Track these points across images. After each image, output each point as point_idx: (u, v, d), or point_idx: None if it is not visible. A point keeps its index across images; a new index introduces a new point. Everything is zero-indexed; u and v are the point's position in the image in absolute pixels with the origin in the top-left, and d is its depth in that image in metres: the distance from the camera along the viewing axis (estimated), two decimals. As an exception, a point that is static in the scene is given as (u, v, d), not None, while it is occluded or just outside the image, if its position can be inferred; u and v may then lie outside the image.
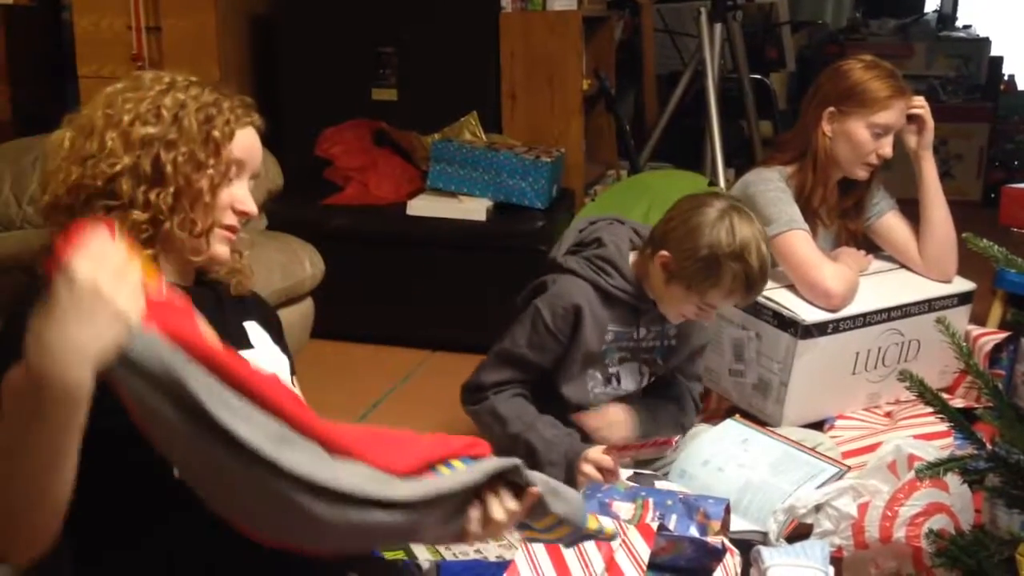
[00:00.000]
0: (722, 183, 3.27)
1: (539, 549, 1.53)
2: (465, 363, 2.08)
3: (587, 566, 1.50)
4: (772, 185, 2.21)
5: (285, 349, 1.50)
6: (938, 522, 1.65)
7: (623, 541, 1.52)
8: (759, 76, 4.26)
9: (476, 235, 3.10)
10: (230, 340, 1.36)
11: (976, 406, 1.94)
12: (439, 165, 3.14)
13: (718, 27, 3.59)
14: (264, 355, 1.41)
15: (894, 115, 2.18)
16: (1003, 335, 2.32)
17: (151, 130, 1.25)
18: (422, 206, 3.14)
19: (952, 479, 1.61)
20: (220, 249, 1.35)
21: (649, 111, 4.32)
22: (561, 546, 1.53)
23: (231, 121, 1.30)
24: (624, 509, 1.68)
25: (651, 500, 1.69)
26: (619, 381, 1.99)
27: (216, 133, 1.28)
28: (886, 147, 2.18)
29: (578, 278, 1.90)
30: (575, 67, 3.35)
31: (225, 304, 1.43)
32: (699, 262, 1.78)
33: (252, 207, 1.35)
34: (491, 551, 1.95)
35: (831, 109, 2.20)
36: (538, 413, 1.93)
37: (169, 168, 1.25)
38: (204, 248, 1.33)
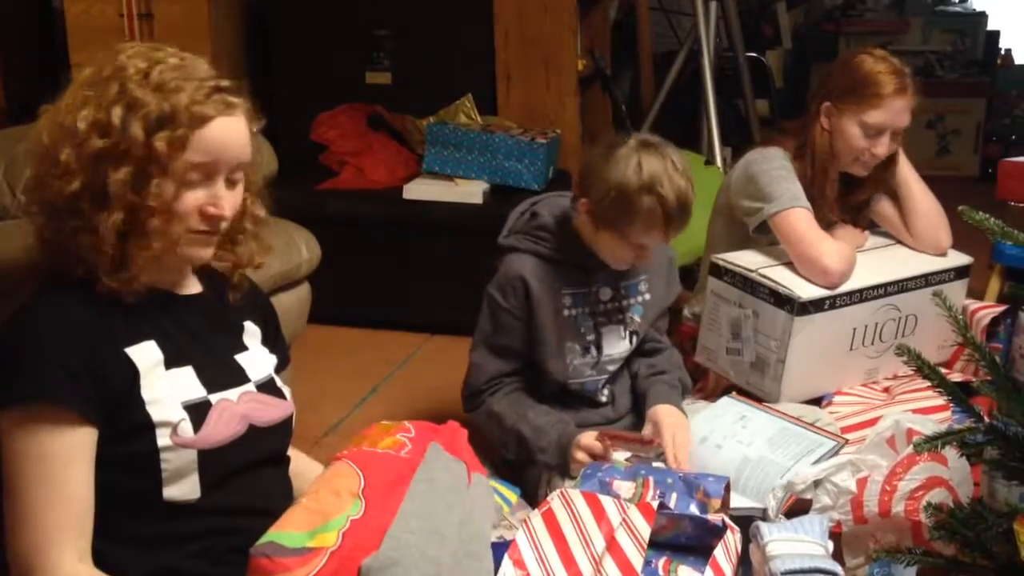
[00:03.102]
0: (719, 162, 3.26)
1: (539, 527, 1.54)
2: (463, 346, 2.08)
3: (588, 545, 1.50)
4: (776, 163, 2.20)
5: (278, 342, 1.48)
6: (937, 496, 1.66)
7: (624, 520, 1.52)
8: (755, 54, 4.24)
9: (473, 218, 3.09)
10: (228, 345, 1.37)
11: (974, 380, 1.94)
12: (434, 148, 3.13)
13: (713, 5, 3.58)
14: (255, 358, 1.39)
15: (886, 115, 2.13)
16: (1001, 309, 2.32)
17: (99, 144, 1.18)
18: (418, 190, 3.14)
19: (950, 453, 1.61)
20: (198, 253, 1.28)
21: (645, 91, 4.30)
22: (561, 525, 1.54)
23: (186, 123, 1.19)
24: (624, 488, 1.69)
25: (651, 479, 1.70)
26: (599, 349, 1.99)
27: (160, 145, 1.18)
28: (879, 147, 2.15)
29: (519, 252, 1.93)
30: (570, 47, 3.33)
31: (228, 305, 1.40)
32: (613, 202, 1.79)
33: (222, 209, 1.25)
34: (492, 532, 1.95)
35: (828, 104, 2.19)
36: (532, 403, 1.94)
37: (113, 188, 1.18)
38: (175, 263, 1.29)
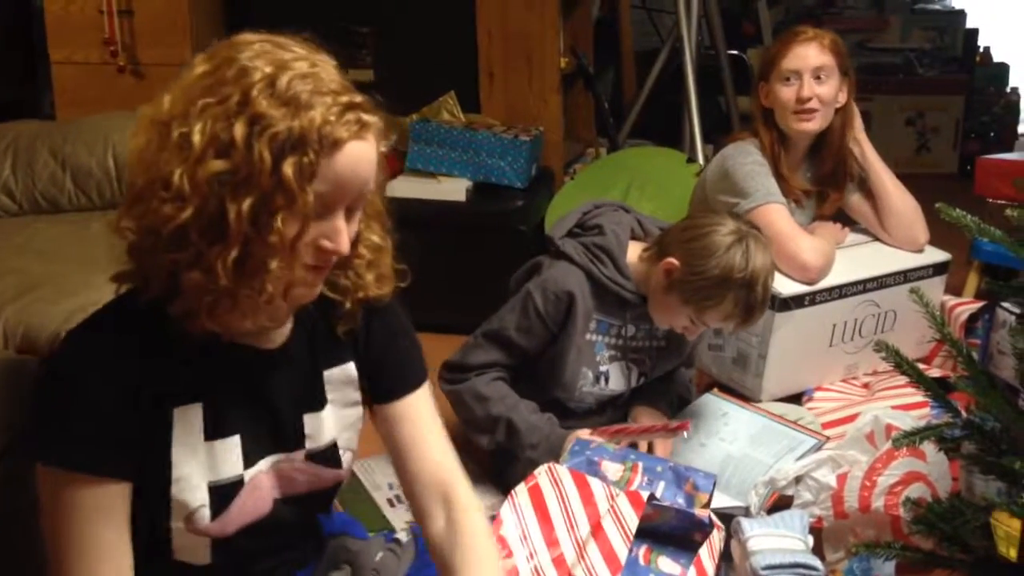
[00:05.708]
0: (700, 159, 3.27)
1: (525, 503, 1.54)
2: (444, 344, 2.07)
3: (573, 528, 1.50)
4: (750, 159, 2.22)
5: (394, 363, 1.30)
6: (916, 491, 1.67)
7: (612, 507, 1.52)
8: (736, 52, 4.25)
9: (456, 215, 3.09)
10: (300, 402, 1.21)
11: (952, 375, 1.96)
12: (417, 146, 3.12)
13: (694, 3, 3.58)
14: (328, 417, 1.24)
15: (794, 59, 2.19)
16: (979, 305, 2.34)
17: (218, 165, 0.99)
18: (401, 187, 3.13)
19: (929, 448, 1.63)
20: (303, 293, 1.10)
21: (627, 88, 4.30)
22: (548, 503, 1.54)
23: (318, 148, 1.00)
24: (612, 470, 1.69)
25: (640, 464, 1.70)
26: (607, 381, 1.99)
27: (289, 171, 0.99)
28: (802, 90, 2.17)
29: (573, 264, 1.89)
30: (553, 45, 3.33)
31: (317, 350, 1.22)
32: (707, 280, 1.76)
33: (339, 245, 1.06)
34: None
35: (761, 83, 2.26)
36: (519, 397, 1.93)
37: (233, 219, 0.99)
38: (282, 314, 1.13)
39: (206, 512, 1.12)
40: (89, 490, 1.06)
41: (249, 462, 1.16)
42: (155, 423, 1.10)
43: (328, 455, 1.24)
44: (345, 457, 1.26)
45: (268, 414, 1.18)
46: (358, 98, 1.05)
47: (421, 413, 1.30)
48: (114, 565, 1.09)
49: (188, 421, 1.11)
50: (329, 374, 1.24)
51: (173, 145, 1.01)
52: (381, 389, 1.29)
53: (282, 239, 1.01)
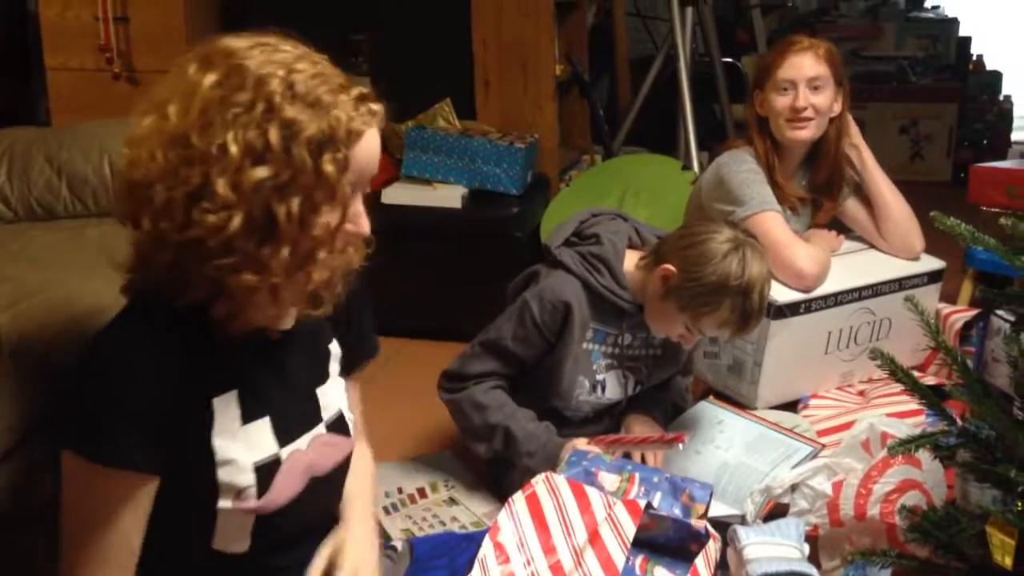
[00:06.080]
0: (695, 166, 3.28)
1: (522, 511, 1.54)
2: (441, 351, 2.08)
3: (570, 535, 1.51)
4: (745, 167, 2.22)
5: (362, 332, 1.39)
6: (911, 498, 1.67)
7: (609, 515, 1.52)
8: (731, 59, 4.27)
9: (451, 222, 3.10)
10: (313, 377, 1.28)
11: (947, 383, 1.96)
12: (413, 153, 3.13)
13: (689, 11, 3.59)
14: (332, 388, 1.31)
15: (790, 69, 2.20)
16: (973, 312, 2.35)
17: (262, 173, 1.04)
18: (396, 194, 3.13)
19: (924, 456, 1.63)
20: (326, 277, 1.16)
21: (622, 96, 4.32)
22: (545, 511, 1.55)
23: (347, 143, 1.08)
24: (609, 480, 1.69)
25: (637, 475, 1.70)
26: (603, 390, 1.99)
27: (329, 168, 1.06)
28: (797, 99, 2.19)
29: (569, 274, 1.90)
30: (548, 52, 3.34)
31: (319, 328, 1.29)
32: (703, 287, 1.77)
33: (363, 226, 1.14)
34: (466, 517, 1.96)
35: (756, 91, 2.27)
36: (516, 405, 1.93)
37: (283, 218, 1.05)
38: (321, 300, 1.20)
39: (254, 491, 1.17)
40: (117, 481, 1.09)
41: (283, 440, 1.21)
42: (194, 416, 1.13)
43: (341, 424, 1.31)
44: (351, 423, 1.33)
45: (291, 391, 1.24)
46: (363, 89, 1.13)
47: (357, 385, 1.43)
48: (125, 545, 1.12)
49: (227, 408, 1.16)
50: (333, 345, 1.32)
51: (209, 157, 1.04)
52: (348, 362, 1.36)
53: (326, 230, 1.08)
